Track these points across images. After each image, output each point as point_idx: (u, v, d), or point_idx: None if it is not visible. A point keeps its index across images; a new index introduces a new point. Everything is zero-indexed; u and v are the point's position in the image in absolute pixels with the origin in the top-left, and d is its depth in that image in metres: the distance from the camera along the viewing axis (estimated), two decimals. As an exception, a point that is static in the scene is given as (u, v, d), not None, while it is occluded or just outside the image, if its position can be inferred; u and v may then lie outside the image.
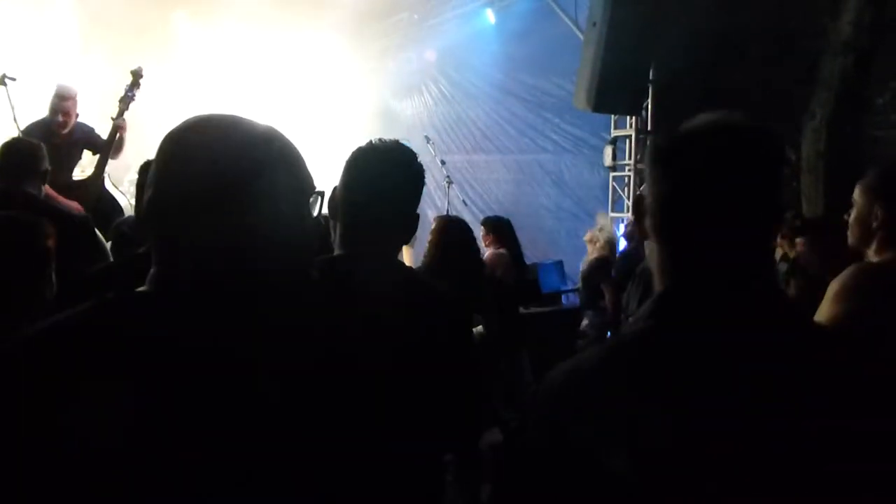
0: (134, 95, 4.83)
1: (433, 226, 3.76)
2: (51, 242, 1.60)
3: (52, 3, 6.99)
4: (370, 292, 1.41)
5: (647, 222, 1.00)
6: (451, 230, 3.73)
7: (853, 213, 1.94)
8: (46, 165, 3.05)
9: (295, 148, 1.00)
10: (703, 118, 0.98)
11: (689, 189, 0.95)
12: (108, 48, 6.79)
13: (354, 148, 1.58)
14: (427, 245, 3.74)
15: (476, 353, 3.95)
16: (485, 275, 4.13)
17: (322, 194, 1.04)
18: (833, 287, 1.87)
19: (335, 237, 1.57)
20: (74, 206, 3.79)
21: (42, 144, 3.18)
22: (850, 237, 1.98)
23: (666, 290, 0.98)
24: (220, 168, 0.91)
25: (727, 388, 0.86)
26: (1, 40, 6.49)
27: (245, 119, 0.98)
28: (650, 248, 1.03)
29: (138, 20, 7.43)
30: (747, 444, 0.83)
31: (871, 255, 1.95)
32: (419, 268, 3.61)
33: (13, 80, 4.80)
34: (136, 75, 4.85)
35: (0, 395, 0.82)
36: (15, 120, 4.71)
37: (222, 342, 0.90)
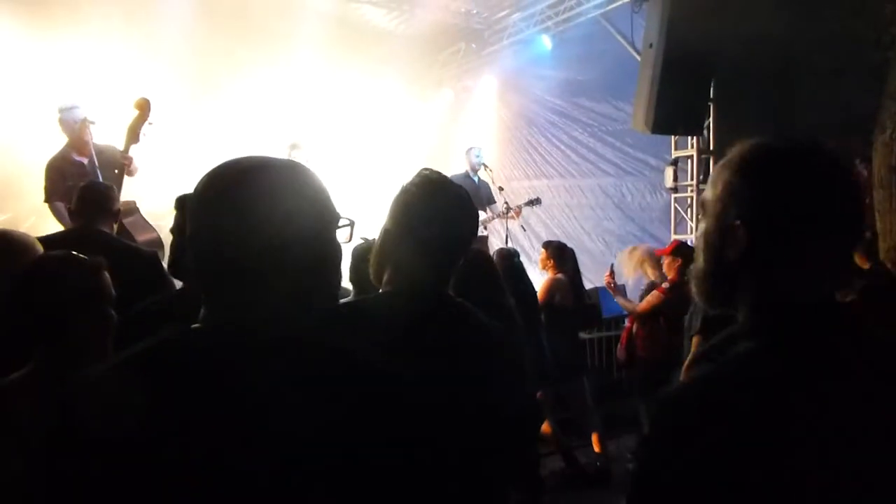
0: (141, 126, 4.38)
1: None
2: (102, 279, 1.63)
3: (118, 49, 7.27)
4: (424, 329, 1.39)
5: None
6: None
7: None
8: (118, 206, 3.21)
9: (317, 179, 1.03)
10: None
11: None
12: (175, 88, 7.05)
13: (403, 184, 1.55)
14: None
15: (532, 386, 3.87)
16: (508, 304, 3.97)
17: (353, 224, 1.05)
18: None
19: (386, 274, 1.52)
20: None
21: (113, 186, 3.35)
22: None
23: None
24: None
25: None
26: (79, 87, 6.81)
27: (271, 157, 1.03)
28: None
29: (203, 61, 7.71)
30: None
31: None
32: None
33: (93, 123, 4.99)
34: (141, 107, 4.38)
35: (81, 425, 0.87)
36: (95, 162, 4.89)
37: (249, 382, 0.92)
